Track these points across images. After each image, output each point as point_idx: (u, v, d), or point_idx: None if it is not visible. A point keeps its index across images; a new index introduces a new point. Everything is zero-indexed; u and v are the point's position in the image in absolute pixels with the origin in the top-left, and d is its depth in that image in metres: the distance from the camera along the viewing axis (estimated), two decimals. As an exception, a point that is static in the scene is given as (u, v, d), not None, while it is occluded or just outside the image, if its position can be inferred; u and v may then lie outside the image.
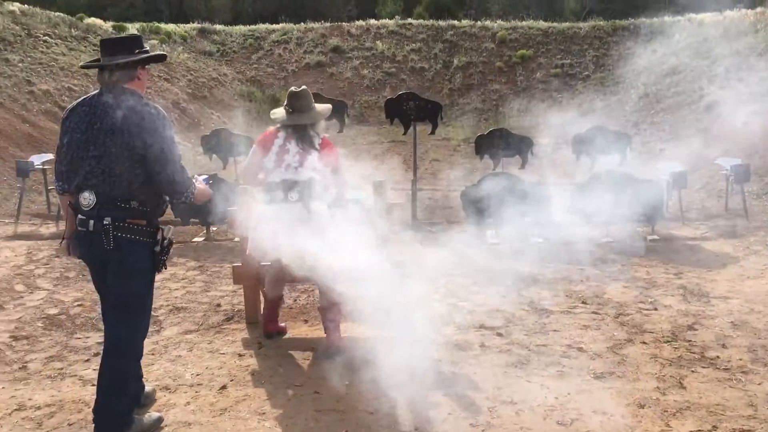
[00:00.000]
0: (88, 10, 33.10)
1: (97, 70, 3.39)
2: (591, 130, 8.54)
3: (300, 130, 4.26)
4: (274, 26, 28.72)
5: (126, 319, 3.28)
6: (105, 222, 3.12)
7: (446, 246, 7.44)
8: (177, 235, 8.09)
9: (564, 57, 24.63)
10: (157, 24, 28.19)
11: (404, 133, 8.35)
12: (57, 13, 23.31)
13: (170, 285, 5.99)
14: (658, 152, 13.32)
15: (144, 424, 3.41)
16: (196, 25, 28.81)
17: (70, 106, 3.42)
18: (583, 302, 5.34)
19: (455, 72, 24.35)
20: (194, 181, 3.42)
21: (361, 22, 28.27)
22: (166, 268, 3.45)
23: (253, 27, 28.83)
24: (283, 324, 4.85)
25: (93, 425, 3.31)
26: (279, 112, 4.36)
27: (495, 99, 23.27)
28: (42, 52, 17.51)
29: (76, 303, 5.52)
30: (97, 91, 3.36)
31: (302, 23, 28.46)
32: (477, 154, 8.47)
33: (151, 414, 3.52)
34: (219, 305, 5.46)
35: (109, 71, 3.28)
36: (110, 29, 24.30)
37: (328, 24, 28.22)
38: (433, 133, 8.50)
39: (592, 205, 7.42)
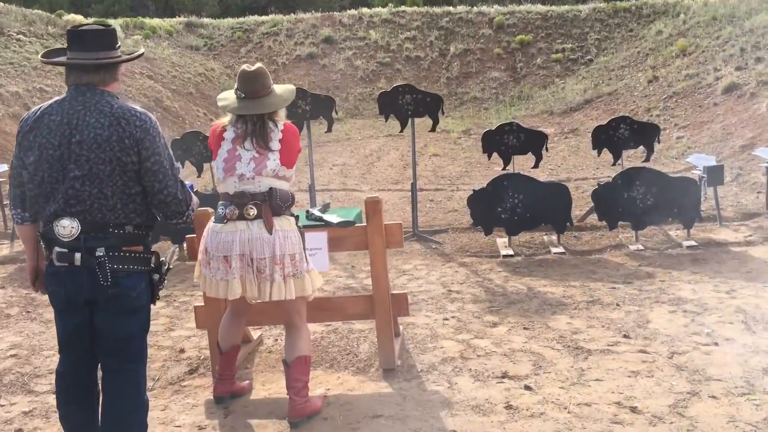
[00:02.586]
0: (71, 8, 32.11)
1: (64, 68, 2.75)
2: (613, 121, 7.56)
3: (255, 122, 3.30)
4: (264, 18, 27.74)
5: (131, 368, 2.78)
6: (98, 253, 2.62)
7: (453, 260, 6.50)
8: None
9: (565, 41, 23.60)
10: (141, 19, 27.16)
11: (401, 131, 7.39)
12: (34, 11, 22.28)
13: (128, 323, 5.03)
14: (675, 141, 12.36)
15: None
16: (182, 19, 27.82)
17: (30, 115, 2.72)
18: (625, 335, 4.39)
19: (452, 60, 23.34)
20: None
21: (353, 11, 27.25)
22: (159, 299, 2.85)
23: (241, 19, 27.83)
24: (246, 382, 3.91)
25: None
26: (228, 98, 3.39)
27: (494, 87, 22.26)
28: (14, 51, 16.49)
29: (10, 352, 4.57)
30: (66, 95, 2.69)
31: (292, 14, 27.50)
32: (484, 152, 7.51)
33: None
34: (183, 350, 4.51)
35: (89, 70, 2.67)
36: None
37: (319, 14, 27.25)
38: (433, 129, 7.52)
39: (620, 207, 6.48)
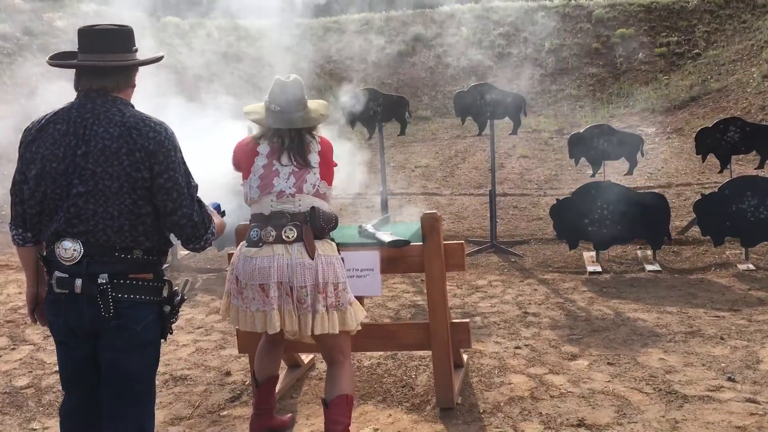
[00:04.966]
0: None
1: (74, 71, 2.47)
2: (721, 122, 6.74)
3: (293, 136, 2.95)
4: (355, 16, 27.70)
5: (134, 413, 2.45)
6: (100, 280, 2.33)
7: (533, 276, 5.93)
8: (209, 262, 6.96)
9: (670, 34, 22.14)
10: (237, 20, 27.66)
11: (479, 134, 6.87)
12: (136, 13, 23.00)
13: (179, 338, 4.79)
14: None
15: None
16: (276, 19, 28.16)
17: (34, 124, 2.45)
18: (730, 378, 3.73)
19: (547, 56, 22.38)
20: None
21: (445, 8, 26.76)
22: (172, 334, 2.53)
23: (333, 18, 27.90)
24: (287, 415, 3.55)
25: None
26: (258, 111, 3.05)
27: (591, 84, 21.14)
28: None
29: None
30: (74, 102, 2.41)
31: (384, 11, 27.32)
32: (571, 156, 6.88)
33: None
34: (229, 373, 4.20)
35: (101, 74, 2.39)
36: (188, 28, 23.88)
37: (410, 11, 26.93)
38: (514, 132, 6.95)
39: (727, 221, 5.72)
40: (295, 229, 2.89)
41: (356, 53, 24.42)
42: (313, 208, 2.92)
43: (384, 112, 6.56)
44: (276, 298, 2.87)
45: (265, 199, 2.94)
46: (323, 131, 3.12)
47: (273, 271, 2.87)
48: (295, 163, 2.92)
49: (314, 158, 2.95)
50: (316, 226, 2.91)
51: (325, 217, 2.94)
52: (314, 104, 3.05)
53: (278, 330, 2.90)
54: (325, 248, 2.92)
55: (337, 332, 2.92)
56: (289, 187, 2.92)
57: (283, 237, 2.89)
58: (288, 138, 2.94)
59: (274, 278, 2.86)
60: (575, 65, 21.97)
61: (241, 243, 3.03)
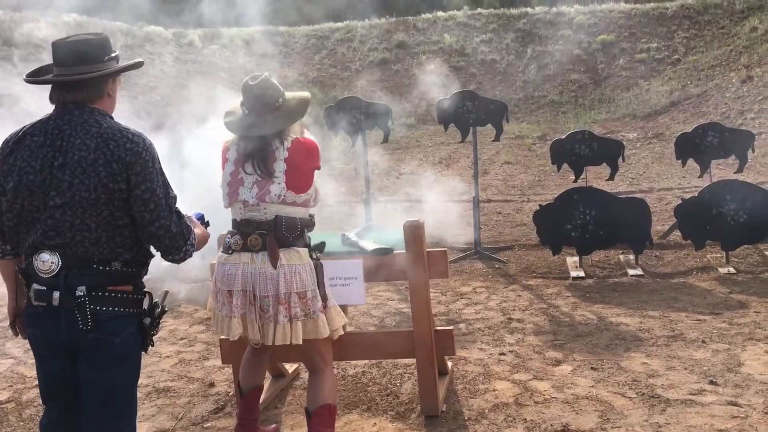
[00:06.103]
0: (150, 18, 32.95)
1: (49, 86, 2.44)
2: (700, 127, 6.82)
3: (255, 144, 2.88)
4: (338, 24, 27.72)
5: (115, 426, 2.43)
6: (78, 293, 2.30)
7: (517, 282, 5.96)
8: (193, 272, 6.91)
9: (650, 40, 22.38)
10: (219, 29, 27.61)
11: (462, 141, 6.90)
12: (117, 22, 22.93)
13: (163, 349, 4.76)
14: (773, 146, 11.31)
15: None
16: (259, 27, 28.11)
17: (11, 137, 2.42)
18: (711, 381, 3.75)
19: (529, 63, 22.52)
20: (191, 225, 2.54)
21: (427, 15, 26.86)
22: (153, 346, 2.50)
23: (316, 27, 27.91)
24: (272, 426, 3.53)
25: None
26: (234, 112, 3.00)
27: (573, 90, 21.30)
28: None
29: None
30: (51, 114, 2.40)
31: (367, 19, 27.36)
32: (553, 162, 6.93)
33: None
34: (212, 384, 4.17)
35: (69, 88, 2.36)
36: (170, 36, 23.84)
37: (393, 19, 27.01)
38: (497, 139, 6.98)
39: (708, 225, 5.78)
40: (260, 238, 2.87)
41: (339, 61, 24.48)
42: (276, 216, 2.88)
43: (367, 120, 6.57)
44: (239, 306, 2.87)
45: (235, 206, 2.94)
46: (307, 132, 3.05)
47: (238, 279, 2.87)
48: (258, 172, 2.87)
49: (279, 167, 2.86)
50: (278, 235, 2.87)
51: (288, 225, 2.88)
52: (292, 102, 2.96)
53: (236, 337, 2.91)
54: (291, 257, 2.86)
55: (300, 342, 2.88)
56: (252, 197, 2.88)
57: (249, 245, 2.88)
58: (251, 145, 2.87)
59: (238, 286, 2.87)
60: (557, 71, 22.13)
61: (221, 247, 3.04)
